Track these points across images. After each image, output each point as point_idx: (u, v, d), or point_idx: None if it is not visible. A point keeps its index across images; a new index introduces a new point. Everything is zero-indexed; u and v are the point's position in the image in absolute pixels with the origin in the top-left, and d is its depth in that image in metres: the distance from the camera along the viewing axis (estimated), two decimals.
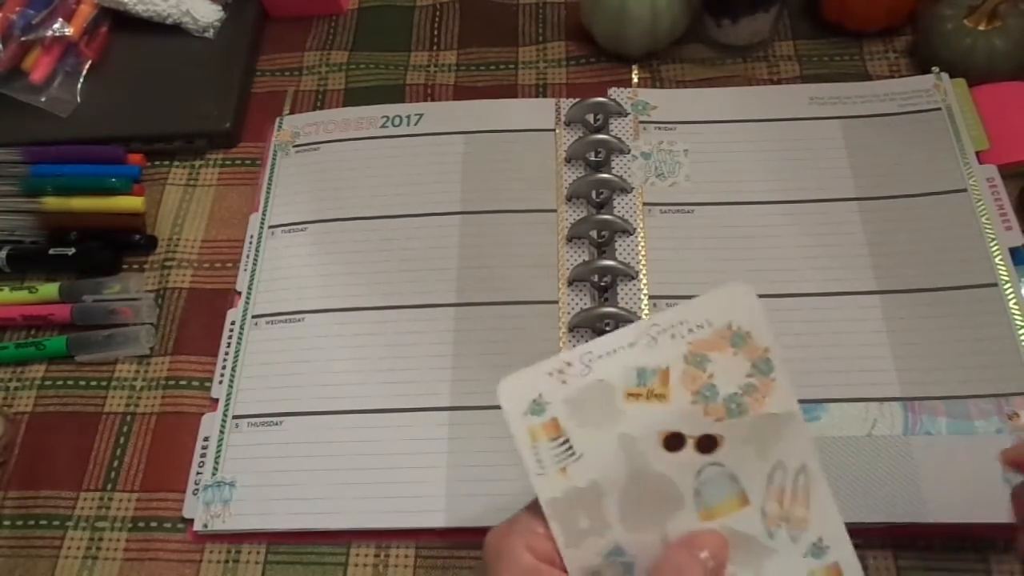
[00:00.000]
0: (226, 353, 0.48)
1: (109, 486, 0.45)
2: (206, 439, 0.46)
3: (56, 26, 0.58)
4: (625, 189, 0.50)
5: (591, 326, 0.46)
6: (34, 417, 0.48)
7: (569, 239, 0.49)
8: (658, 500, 0.30)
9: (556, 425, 0.30)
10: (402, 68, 0.59)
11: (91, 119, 0.57)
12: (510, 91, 0.57)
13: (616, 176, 0.50)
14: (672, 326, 0.30)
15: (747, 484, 0.30)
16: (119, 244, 0.53)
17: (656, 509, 0.30)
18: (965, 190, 0.48)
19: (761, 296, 0.46)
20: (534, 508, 0.30)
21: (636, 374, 0.30)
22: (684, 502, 0.30)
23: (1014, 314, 0.44)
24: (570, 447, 0.30)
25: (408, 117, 0.55)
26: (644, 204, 0.50)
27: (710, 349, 0.30)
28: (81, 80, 0.58)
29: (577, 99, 0.54)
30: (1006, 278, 0.45)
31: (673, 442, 0.30)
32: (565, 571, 0.30)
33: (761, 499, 0.30)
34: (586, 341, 0.46)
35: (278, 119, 0.57)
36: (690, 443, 0.30)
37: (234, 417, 0.46)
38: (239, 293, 0.50)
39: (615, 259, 0.48)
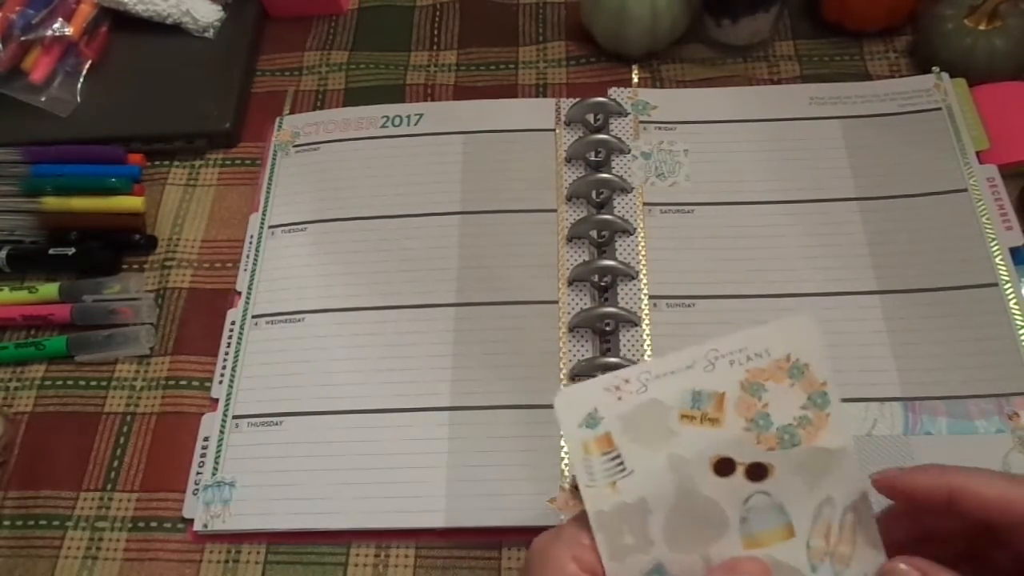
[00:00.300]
0: (226, 353, 0.48)
1: (109, 486, 0.45)
2: (206, 439, 0.46)
3: (56, 26, 0.58)
4: (625, 189, 0.50)
5: (591, 326, 0.46)
6: (34, 417, 0.48)
7: (569, 239, 0.49)
8: (703, 523, 0.30)
9: (609, 440, 0.30)
10: (402, 68, 0.59)
11: (91, 119, 0.57)
12: (510, 91, 0.57)
13: (616, 176, 0.50)
14: (731, 352, 0.30)
15: (794, 516, 0.30)
16: (119, 244, 0.53)
17: (701, 531, 0.30)
18: (965, 190, 0.48)
19: (761, 296, 0.46)
20: (581, 519, 0.30)
21: (692, 397, 0.30)
22: (729, 527, 0.30)
23: (1014, 314, 0.44)
24: (621, 463, 0.30)
25: (408, 117, 0.55)
26: (644, 204, 0.50)
27: (767, 378, 0.30)
28: (81, 80, 0.58)
29: (577, 99, 0.54)
30: (1006, 278, 0.45)
31: (723, 467, 0.30)
32: None
33: (807, 532, 0.30)
34: (586, 341, 0.46)
35: (278, 119, 0.57)
36: (740, 469, 0.30)
37: (234, 417, 0.46)
38: (239, 293, 0.50)
39: (615, 259, 0.48)
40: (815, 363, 0.30)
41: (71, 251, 0.52)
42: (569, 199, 0.51)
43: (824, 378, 0.30)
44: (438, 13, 0.61)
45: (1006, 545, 0.28)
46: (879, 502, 0.31)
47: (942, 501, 0.28)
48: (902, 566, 0.28)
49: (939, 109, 0.51)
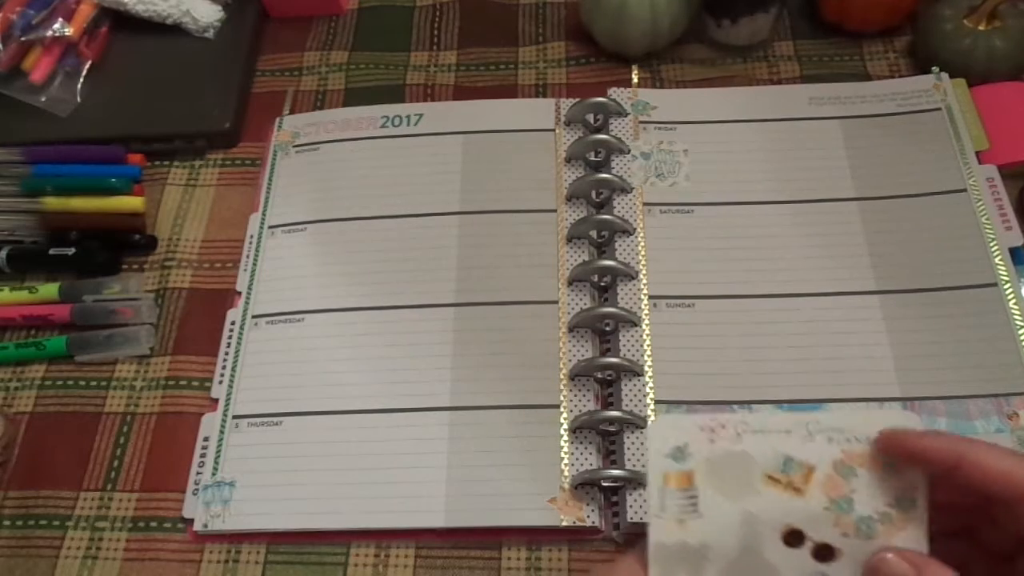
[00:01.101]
0: (226, 353, 0.48)
1: (109, 486, 0.45)
2: (206, 439, 0.46)
3: (56, 26, 0.58)
4: (625, 189, 0.50)
5: (591, 326, 0.46)
6: (34, 417, 0.48)
7: (569, 239, 0.49)
8: None
9: (690, 478, 0.30)
10: (402, 68, 0.59)
11: (91, 119, 0.57)
12: (510, 91, 0.57)
13: (616, 176, 0.50)
14: (832, 429, 0.30)
15: None
16: (119, 244, 0.53)
17: None
18: (965, 190, 0.48)
19: (760, 296, 0.46)
20: (639, 554, 0.30)
21: (783, 461, 0.30)
22: None
23: (1014, 314, 0.44)
24: (695, 504, 0.30)
25: (408, 117, 0.55)
26: (644, 204, 0.50)
27: (862, 465, 0.30)
28: (81, 80, 0.58)
29: (577, 99, 0.54)
30: (1006, 278, 0.45)
31: (792, 538, 0.30)
32: None
33: None
34: (586, 341, 0.46)
35: (278, 119, 0.57)
36: (808, 545, 0.30)
37: (234, 417, 0.46)
38: (239, 293, 0.50)
39: (615, 259, 0.48)
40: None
41: (71, 251, 0.52)
42: (569, 199, 0.51)
43: (918, 483, 0.30)
44: (438, 13, 0.61)
45: (1000, 524, 0.28)
46: None
47: (948, 467, 0.28)
48: (890, 556, 0.28)
49: (938, 109, 0.52)
